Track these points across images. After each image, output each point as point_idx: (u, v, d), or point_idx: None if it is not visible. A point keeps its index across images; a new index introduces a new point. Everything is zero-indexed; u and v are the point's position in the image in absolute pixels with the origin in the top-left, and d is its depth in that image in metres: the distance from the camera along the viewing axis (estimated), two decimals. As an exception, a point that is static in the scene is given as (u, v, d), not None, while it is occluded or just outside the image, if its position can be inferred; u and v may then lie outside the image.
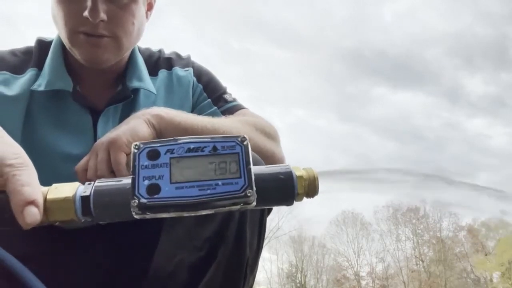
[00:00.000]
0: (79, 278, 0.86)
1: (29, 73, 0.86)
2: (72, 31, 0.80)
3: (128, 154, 0.67)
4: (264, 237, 0.79)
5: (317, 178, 0.47)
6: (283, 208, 25.00)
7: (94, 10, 0.78)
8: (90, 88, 0.90)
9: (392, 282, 24.72)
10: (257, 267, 0.79)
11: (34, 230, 0.86)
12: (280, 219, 25.33)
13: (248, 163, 0.42)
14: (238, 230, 0.70)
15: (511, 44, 36.68)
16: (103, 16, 0.79)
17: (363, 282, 25.24)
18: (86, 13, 0.77)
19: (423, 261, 24.45)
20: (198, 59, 1.05)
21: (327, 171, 0.49)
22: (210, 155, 0.43)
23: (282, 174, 0.46)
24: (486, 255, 23.49)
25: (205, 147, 0.43)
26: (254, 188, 0.42)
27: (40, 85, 0.85)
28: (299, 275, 25.34)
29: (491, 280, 23.13)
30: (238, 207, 0.42)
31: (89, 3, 0.78)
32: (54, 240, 0.88)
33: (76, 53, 0.83)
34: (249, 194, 0.41)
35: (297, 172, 0.47)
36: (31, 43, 0.93)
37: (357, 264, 25.41)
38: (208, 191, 0.41)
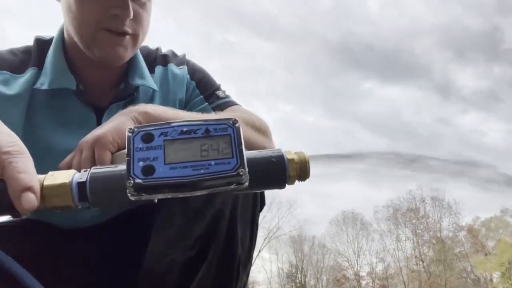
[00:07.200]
0: (73, 278, 0.87)
1: (29, 72, 0.87)
2: (95, 27, 0.81)
3: (113, 153, 0.67)
4: (257, 233, 0.80)
5: (308, 161, 0.48)
6: (283, 208, 25.07)
7: (126, 8, 0.80)
8: (93, 86, 0.91)
9: (392, 282, 24.73)
10: (251, 264, 0.79)
11: (29, 231, 0.86)
12: (280, 219, 25.38)
13: (240, 144, 0.44)
14: (229, 228, 0.71)
15: (503, 36, 35.82)
16: (132, 14, 0.81)
17: (363, 282, 25.27)
18: (117, 11, 0.80)
19: (423, 261, 24.45)
20: (179, 52, 1.07)
21: (319, 155, 0.50)
22: (202, 137, 0.44)
23: (274, 157, 0.48)
24: (486, 255, 23.49)
25: (197, 129, 0.45)
26: (247, 168, 0.43)
27: (43, 83, 0.85)
28: (299, 275, 25.36)
29: (491, 280, 23.12)
30: (231, 187, 0.43)
31: (118, 1, 0.80)
32: (49, 241, 0.88)
33: (94, 50, 0.84)
34: (241, 173, 0.42)
35: (288, 156, 0.48)
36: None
37: (357, 264, 25.47)
38: (202, 171, 0.42)
